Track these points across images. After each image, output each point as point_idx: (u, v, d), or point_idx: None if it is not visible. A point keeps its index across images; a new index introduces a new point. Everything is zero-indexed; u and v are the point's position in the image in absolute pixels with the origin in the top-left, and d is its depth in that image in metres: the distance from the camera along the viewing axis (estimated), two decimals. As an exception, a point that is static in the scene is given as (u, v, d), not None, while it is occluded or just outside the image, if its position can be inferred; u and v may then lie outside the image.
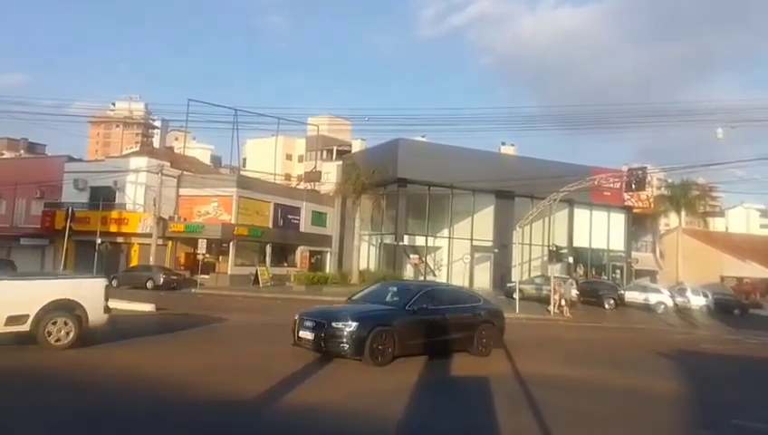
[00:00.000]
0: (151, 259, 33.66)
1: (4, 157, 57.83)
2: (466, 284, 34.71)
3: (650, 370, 12.79)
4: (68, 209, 25.34)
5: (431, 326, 11.09)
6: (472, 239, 39.00)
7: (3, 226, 40.22)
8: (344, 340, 9.98)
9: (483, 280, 38.99)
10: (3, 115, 78.04)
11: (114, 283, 30.89)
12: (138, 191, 36.78)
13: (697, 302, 32.89)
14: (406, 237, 37.98)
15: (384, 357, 10.15)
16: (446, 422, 7.19)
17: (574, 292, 29.27)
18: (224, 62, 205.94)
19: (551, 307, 26.27)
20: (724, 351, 18.15)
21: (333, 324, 10.16)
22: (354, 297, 12.79)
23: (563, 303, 26.40)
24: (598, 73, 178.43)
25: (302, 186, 49.52)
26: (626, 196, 43.23)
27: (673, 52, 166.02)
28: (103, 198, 36.64)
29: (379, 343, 10.10)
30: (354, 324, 10.05)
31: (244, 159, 57.80)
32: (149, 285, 29.87)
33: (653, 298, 31.84)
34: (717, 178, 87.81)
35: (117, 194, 37.24)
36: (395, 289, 12.38)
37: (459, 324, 11.68)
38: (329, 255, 44.48)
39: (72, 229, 24.78)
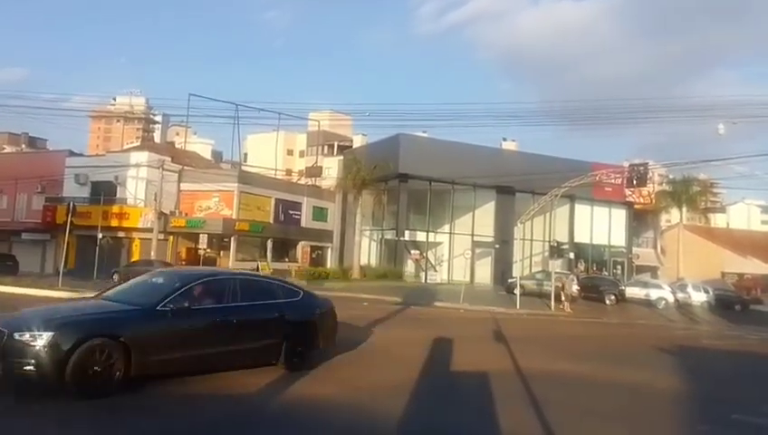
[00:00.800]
0: (152, 254, 33.69)
1: (5, 151, 57.86)
2: (467, 279, 34.71)
3: (651, 365, 12.79)
4: (69, 204, 25.28)
5: (200, 334, 7.84)
6: (473, 235, 39.01)
7: (4, 220, 40.32)
8: (30, 358, 6.50)
9: (484, 276, 39.06)
10: (3, 110, 78.10)
11: (115, 277, 30.99)
12: (139, 186, 36.81)
13: (698, 298, 32.91)
14: (407, 233, 38.00)
15: (105, 383, 6.80)
16: (447, 418, 7.21)
17: (575, 287, 29.27)
18: (224, 57, 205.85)
19: (552, 302, 26.29)
20: (724, 347, 18.15)
21: (17, 336, 6.65)
22: (107, 293, 9.10)
23: (563, 298, 26.43)
24: (599, 68, 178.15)
25: (302, 181, 49.54)
26: (627, 191, 43.20)
27: (674, 46, 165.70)
28: (104, 192, 36.70)
29: (95, 363, 6.72)
30: (48, 335, 6.57)
31: (245, 155, 57.77)
32: (151, 279, 29.86)
33: (654, 294, 31.83)
34: (718, 174, 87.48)
35: (118, 189, 37.29)
36: (161, 280, 8.75)
37: (255, 329, 8.60)
38: (330, 250, 44.51)
39: (74, 224, 24.71)
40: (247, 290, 8.87)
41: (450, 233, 39.87)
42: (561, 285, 26.93)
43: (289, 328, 8.93)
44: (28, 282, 21.88)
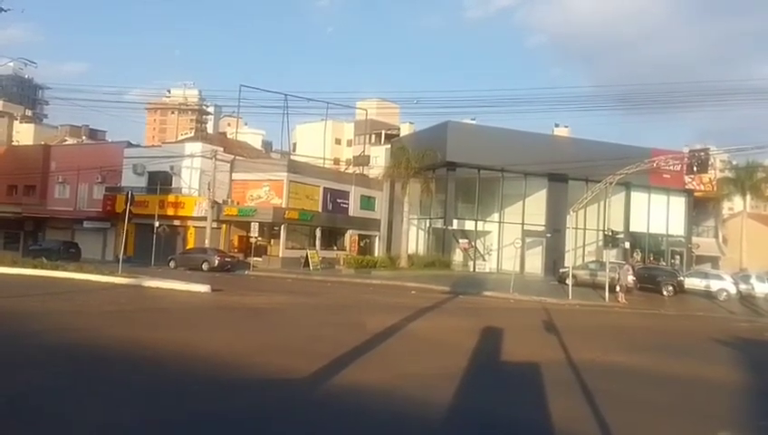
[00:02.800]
0: (206, 242, 34.62)
1: (67, 143, 60.42)
2: (517, 269, 34.19)
3: (709, 358, 12.29)
4: (128, 193, 26.19)
5: None
6: (523, 224, 38.31)
7: (67, 209, 42.22)
8: None
9: (534, 265, 38.34)
10: (65, 103, 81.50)
11: (171, 264, 32.07)
12: (193, 176, 37.80)
13: (762, 289, 31.31)
14: (455, 222, 37.66)
15: None
16: (497, 408, 7.09)
17: (630, 278, 28.40)
18: (274, 48, 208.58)
19: (606, 293, 25.60)
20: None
21: None
22: None
23: (618, 289, 25.68)
24: (655, 51, 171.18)
25: (350, 170, 49.75)
26: (687, 178, 41.38)
27: (736, 26, 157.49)
28: (160, 182, 37.91)
29: None
30: None
31: (294, 144, 58.47)
32: (205, 266, 30.74)
33: (715, 285, 30.50)
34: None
35: (173, 178, 38.41)
36: None
37: None
38: (377, 239, 44.65)
39: (132, 213, 25.66)
40: None
41: (500, 222, 39.28)
42: (616, 275, 26.14)
43: None
44: (90, 268, 22.79)
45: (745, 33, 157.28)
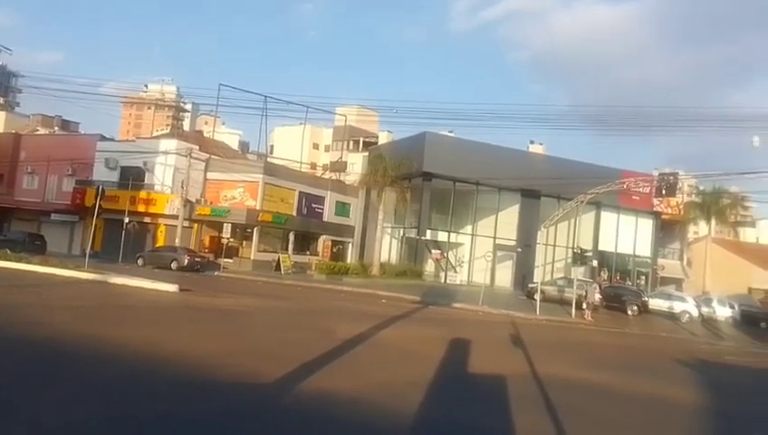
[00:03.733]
0: (177, 240, 34.16)
1: (39, 133, 59.08)
2: (487, 282, 34.52)
3: (671, 378, 12.60)
4: (98, 187, 25.73)
5: None
6: (495, 237, 38.73)
7: (34, 200, 41.22)
8: None
9: (504, 279, 38.76)
10: (38, 92, 79.54)
11: (140, 262, 31.54)
12: (166, 173, 37.30)
13: (723, 313, 32.21)
14: (428, 232, 37.88)
15: None
16: (462, 419, 7.18)
17: (597, 296, 28.93)
18: (255, 49, 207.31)
19: (573, 310, 26.01)
20: (748, 363, 17.80)
21: None
22: None
23: (585, 306, 26.13)
24: (631, 74, 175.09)
25: (327, 175, 49.69)
26: (655, 201, 42.41)
27: (710, 55, 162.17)
28: (133, 177, 37.28)
29: None
30: None
31: (272, 146, 58.15)
32: (174, 265, 30.32)
33: (678, 307, 31.26)
34: (750, 188, 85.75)
35: (146, 175, 37.83)
36: None
37: None
38: (351, 245, 44.63)
39: (102, 207, 25.14)
40: None
41: (472, 234, 39.64)
42: (583, 292, 26.60)
43: None
44: (55, 262, 22.32)
45: (717, 62, 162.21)
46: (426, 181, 37.26)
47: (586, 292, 26.79)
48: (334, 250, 43.39)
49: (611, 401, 9.21)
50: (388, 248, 39.94)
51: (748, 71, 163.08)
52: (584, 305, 26.14)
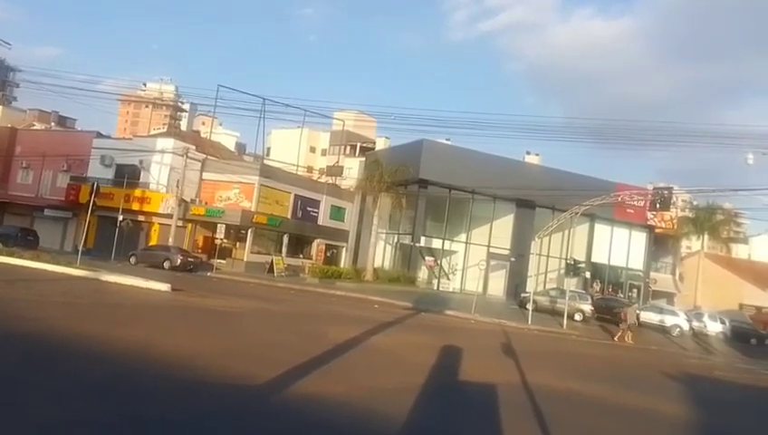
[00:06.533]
0: (170, 240, 34.03)
1: (35, 128, 58.87)
2: (480, 290, 34.58)
3: (658, 391, 12.64)
4: (93, 184, 25.60)
5: None
6: (489, 246, 38.81)
7: (28, 195, 41.02)
8: None
9: (497, 288, 38.81)
10: (36, 87, 79.26)
11: (132, 260, 31.42)
12: (162, 172, 37.19)
13: (714, 328, 32.35)
14: (422, 239, 37.92)
15: None
16: (450, 424, 7.18)
17: (588, 307, 29.03)
18: (255, 51, 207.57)
19: (564, 320, 26.03)
20: (736, 379, 17.84)
21: None
22: None
23: (624, 326, 24.74)
24: (627, 88, 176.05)
25: (323, 179, 49.67)
26: (649, 215, 42.65)
27: (706, 72, 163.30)
28: (128, 175, 37.17)
29: None
30: None
31: (269, 149, 58.08)
32: (166, 265, 30.19)
33: (669, 320, 31.37)
34: (744, 205, 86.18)
35: (142, 173, 37.72)
36: None
37: None
38: (344, 250, 44.57)
39: (96, 204, 25.03)
40: None
41: (466, 242, 39.71)
42: (625, 317, 25.07)
43: None
44: (47, 258, 22.20)
45: (711, 79, 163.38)
46: (421, 188, 37.33)
47: (626, 312, 25.59)
48: (328, 254, 43.33)
49: (600, 413, 9.23)
50: (381, 254, 39.94)
51: (743, 88, 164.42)
52: (622, 326, 24.93)
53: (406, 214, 38.34)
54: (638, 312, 27.64)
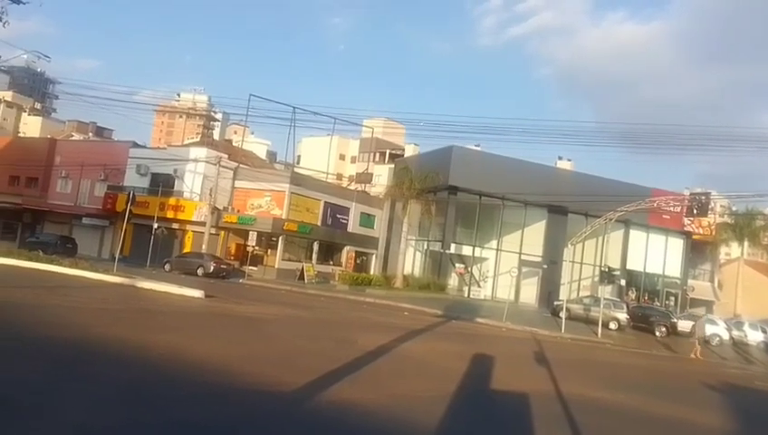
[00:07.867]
0: (203, 247, 34.58)
1: (74, 139, 60.62)
2: (512, 298, 34.20)
3: (696, 402, 12.29)
4: (129, 193, 26.28)
5: None
6: (521, 253, 38.35)
7: (67, 204, 42.21)
8: None
9: (529, 295, 38.31)
10: (74, 99, 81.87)
11: (167, 267, 32.01)
12: (195, 180, 37.88)
13: (755, 337, 31.32)
14: (453, 246, 37.69)
15: None
16: (481, 433, 7.09)
17: (623, 315, 28.39)
18: (285, 61, 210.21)
19: (599, 329, 25.51)
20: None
21: None
22: None
23: (696, 341, 24.20)
24: (660, 92, 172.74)
25: (352, 186, 49.88)
26: (686, 221, 41.58)
27: (741, 74, 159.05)
28: (163, 184, 37.97)
29: None
30: None
31: (299, 157, 58.63)
32: (200, 271, 30.67)
33: (708, 329, 30.50)
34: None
35: (176, 182, 38.48)
36: None
37: None
38: (374, 257, 44.62)
39: (132, 212, 25.70)
40: None
41: (497, 249, 39.33)
42: (694, 332, 24.58)
43: None
44: (85, 265, 22.76)
45: (748, 82, 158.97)
46: (451, 195, 37.16)
47: (695, 327, 25.12)
48: (358, 261, 43.43)
49: (636, 424, 9.01)
50: (411, 261, 39.82)
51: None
52: (693, 340, 24.38)
53: (435, 221, 38.19)
54: (716, 326, 26.87)
